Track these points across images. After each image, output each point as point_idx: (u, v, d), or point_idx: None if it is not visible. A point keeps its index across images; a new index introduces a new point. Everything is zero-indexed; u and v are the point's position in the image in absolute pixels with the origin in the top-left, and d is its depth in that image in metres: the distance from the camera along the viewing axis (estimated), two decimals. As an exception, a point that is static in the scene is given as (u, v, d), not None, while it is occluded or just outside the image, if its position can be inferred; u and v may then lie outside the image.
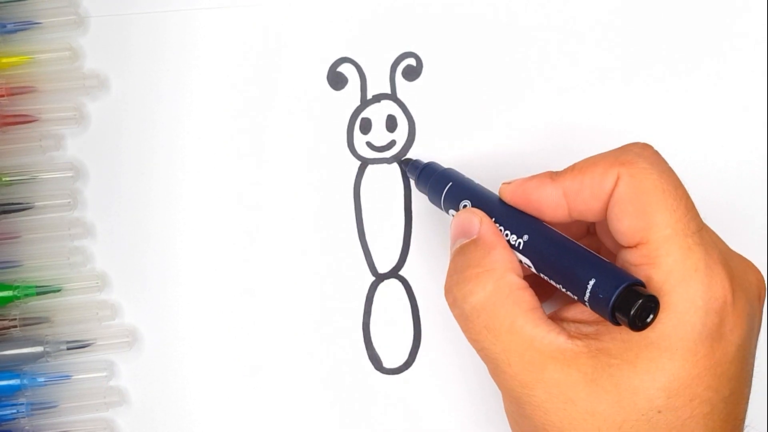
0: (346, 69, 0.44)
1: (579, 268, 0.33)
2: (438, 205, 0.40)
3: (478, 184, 0.39)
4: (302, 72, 0.44)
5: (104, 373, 0.42)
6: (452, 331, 0.43)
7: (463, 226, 0.37)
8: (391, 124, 0.44)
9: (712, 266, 0.32)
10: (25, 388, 0.41)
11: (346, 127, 0.44)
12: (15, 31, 0.42)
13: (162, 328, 0.43)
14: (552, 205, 0.35)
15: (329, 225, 0.44)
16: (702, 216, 0.45)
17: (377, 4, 0.44)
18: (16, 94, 0.42)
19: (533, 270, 0.35)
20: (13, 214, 0.42)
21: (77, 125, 0.43)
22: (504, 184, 0.37)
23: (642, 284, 0.32)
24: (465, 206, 0.38)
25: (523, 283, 0.34)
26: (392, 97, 0.44)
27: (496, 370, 0.34)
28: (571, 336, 0.33)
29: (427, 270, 0.44)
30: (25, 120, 0.42)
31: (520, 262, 0.35)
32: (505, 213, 0.36)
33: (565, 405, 0.32)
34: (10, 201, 0.42)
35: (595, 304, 0.32)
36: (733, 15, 0.45)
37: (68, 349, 0.42)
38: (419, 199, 0.44)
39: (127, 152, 0.44)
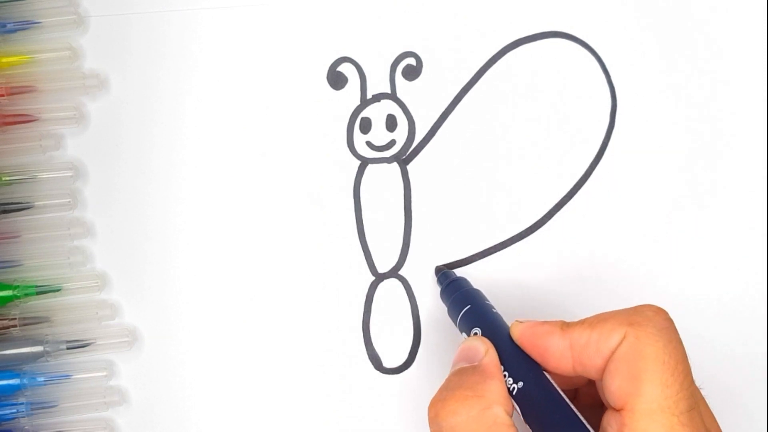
0: (346, 68, 0.44)
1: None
2: (455, 322, 0.40)
3: (495, 314, 0.38)
4: (302, 72, 0.44)
5: (104, 373, 0.42)
6: (452, 331, 0.43)
7: (468, 352, 0.36)
8: (391, 123, 0.44)
9: None
10: (25, 387, 0.41)
11: (346, 127, 0.44)
12: (15, 31, 0.42)
13: (162, 328, 0.43)
14: (557, 355, 0.34)
15: (329, 225, 0.44)
16: (701, 217, 0.45)
17: (377, 4, 0.44)
18: (16, 93, 0.42)
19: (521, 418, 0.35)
20: (12, 214, 0.42)
21: (77, 125, 0.43)
22: (516, 321, 0.36)
23: None
24: (476, 334, 0.38)
25: (509, 422, 0.33)
26: (392, 96, 0.44)
27: None
28: None
29: (427, 270, 0.44)
30: (25, 120, 0.42)
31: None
32: (510, 353, 0.36)
33: None
34: (10, 201, 0.42)
35: None
36: (733, 16, 0.45)
37: (68, 348, 0.42)
38: (419, 199, 0.44)
39: (126, 152, 0.44)
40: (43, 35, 0.42)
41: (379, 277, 0.44)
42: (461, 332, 0.39)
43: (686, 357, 0.32)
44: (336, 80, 0.44)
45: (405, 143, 0.44)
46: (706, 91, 0.45)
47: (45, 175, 0.42)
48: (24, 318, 0.42)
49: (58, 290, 0.42)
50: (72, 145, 0.43)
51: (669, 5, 0.45)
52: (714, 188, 0.45)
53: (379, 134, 0.44)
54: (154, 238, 0.43)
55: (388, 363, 0.44)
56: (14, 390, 0.41)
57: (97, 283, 0.43)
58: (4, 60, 0.42)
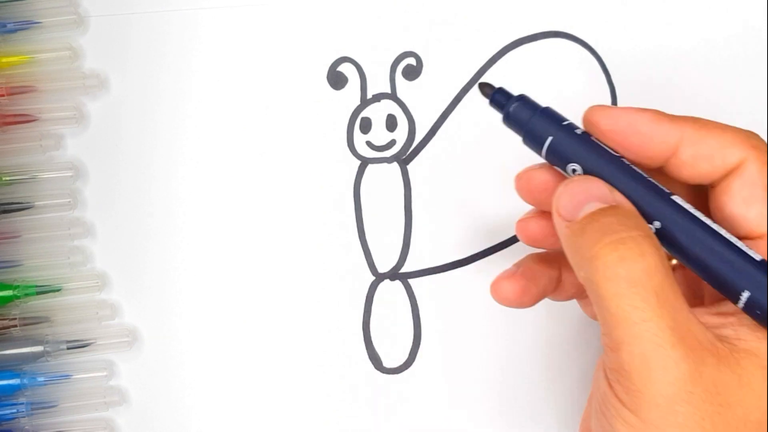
0: (346, 68, 0.44)
1: (729, 272, 0.29)
2: (535, 149, 0.34)
3: (591, 140, 0.33)
4: (302, 72, 0.44)
5: (104, 373, 0.42)
6: (452, 331, 0.43)
7: (592, 192, 0.31)
8: (391, 123, 0.44)
9: None
10: (25, 387, 0.41)
11: (346, 127, 0.44)
12: (15, 31, 0.42)
13: (162, 328, 0.43)
14: (660, 147, 0.31)
15: (329, 225, 0.44)
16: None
17: (377, 4, 0.44)
18: (16, 93, 0.42)
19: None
20: (13, 214, 0.42)
21: (77, 125, 0.43)
22: (596, 109, 0.32)
23: None
24: (574, 171, 0.32)
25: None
26: (392, 96, 0.44)
27: (655, 354, 0.29)
28: (718, 336, 0.30)
29: (428, 270, 0.44)
30: (25, 120, 0.42)
31: None
32: (634, 190, 0.31)
33: (720, 408, 0.29)
34: (10, 201, 0.42)
35: (751, 314, 0.29)
36: (733, 16, 0.45)
37: (68, 348, 0.42)
38: (419, 199, 0.44)
39: (127, 152, 0.44)
40: (43, 35, 0.42)
41: (379, 277, 0.44)
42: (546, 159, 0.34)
43: None
44: (336, 80, 0.44)
45: (405, 143, 0.44)
46: (706, 91, 0.45)
47: (45, 175, 0.42)
48: (24, 318, 0.42)
49: (58, 290, 0.42)
50: (72, 145, 0.43)
51: (669, 5, 0.45)
52: (714, 188, 0.45)
53: (379, 134, 0.44)
54: (154, 238, 0.43)
55: (388, 363, 0.44)
56: (14, 390, 0.41)
57: (97, 283, 0.43)
58: (4, 60, 0.42)
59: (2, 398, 0.41)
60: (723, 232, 0.30)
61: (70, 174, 0.43)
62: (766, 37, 0.45)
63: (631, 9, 0.44)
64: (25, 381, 0.41)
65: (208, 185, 0.44)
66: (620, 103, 0.44)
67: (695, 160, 0.31)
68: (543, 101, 0.44)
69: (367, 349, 0.44)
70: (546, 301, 0.44)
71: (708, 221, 0.30)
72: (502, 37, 0.44)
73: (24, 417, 0.41)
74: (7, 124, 0.42)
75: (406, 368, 0.44)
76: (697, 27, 0.45)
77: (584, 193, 0.31)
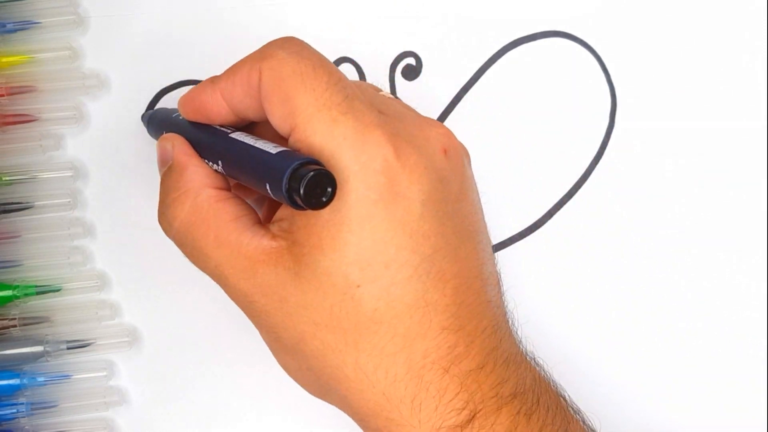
0: (345, 69, 0.44)
1: (260, 174, 0.32)
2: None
3: (175, 114, 0.38)
4: (302, 72, 0.44)
5: (104, 373, 0.42)
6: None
7: (162, 155, 0.37)
8: (390, 123, 0.44)
9: (362, 130, 0.32)
10: (25, 387, 0.41)
11: (345, 127, 0.44)
12: (15, 31, 0.42)
13: (162, 328, 0.43)
14: (216, 109, 0.35)
15: (329, 225, 0.44)
16: (701, 217, 0.45)
17: (377, 4, 0.44)
18: (16, 93, 0.42)
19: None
20: (13, 214, 0.42)
21: (77, 125, 0.43)
22: (180, 97, 0.37)
23: (315, 162, 0.31)
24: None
25: (224, 195, 0.35)
26: (392, 96, 0.44)
27: (223, 288, 0.35)
28: (274, 236, 0.33)
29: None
30: (25, 120, 0.42)
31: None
32: (194, 135, 0.36)
33: (281, 304, 0.33)
34: (10, 201, 0.42)
35: (278, 196, 0.31)
36: (733, 15, 0.45)
37: (68, 348, 0.42)
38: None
39: (127, 152, 0.44)
40: (43, 35, 0.42)
41: (379, 277, 0.44)
42: None
43: (326, 62, 0.33)
44: (336, 80, 0.44)
45: (405, 143, 0.44)
46: (706, 90, 0.45)
47: (45, 175, 0.42)
48: (24, 318, 0.42)
49: (58, 290, 0.42)
50: (72, 145, 0.43)
51: (669, 5, 0.45)
52: (714, 188, 0.45)
53: (379, 134, 0.44)
54: (154, 238, 0.43)
55: (388, 363, 0.44)
56: (14, 390, 0.41)
57: (97, 283, 0.43)
58: (4, 60, 0.42)
59: (2, 398, 0.41)
60: (259, 143, 0.33)
61: (70, 174, 0.43)
62: (766, 36, 0.45)
63: (631, 9, 0.44)
64: (25, 381, 0.41)
65: (208, 185, 0.44)
66: (620, 103, 0.44)
67: (240, 102, 0.35)
68: (543, 101, 0.44)
69: (367, 349, 0.44)
70: (546, 303, 0.44)
71: (253, 142, 0.33)
72: (502, 37, 0.44)
73: (24, 417, 0.41)
74: (7, 124, 0.42)
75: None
76: (697, 26, 0.45)
77: (158, 160, 0.37)
